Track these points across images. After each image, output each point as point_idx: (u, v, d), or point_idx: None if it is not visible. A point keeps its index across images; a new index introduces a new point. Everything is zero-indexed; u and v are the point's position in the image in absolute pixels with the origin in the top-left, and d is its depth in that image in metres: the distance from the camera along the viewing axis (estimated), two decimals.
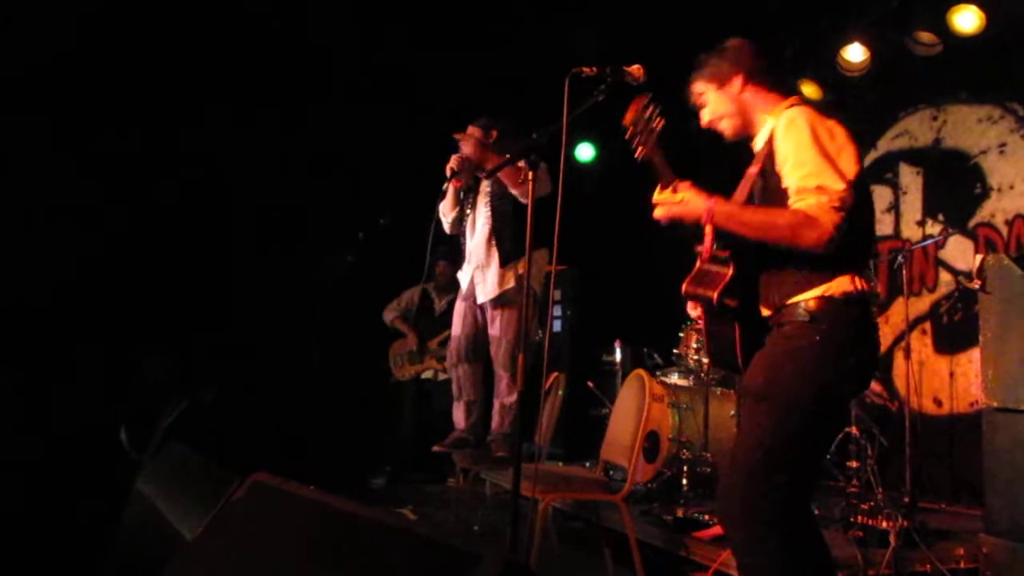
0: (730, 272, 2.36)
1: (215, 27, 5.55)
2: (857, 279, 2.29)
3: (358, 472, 5.89)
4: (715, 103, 2.56)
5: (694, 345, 5.24)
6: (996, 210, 5.28)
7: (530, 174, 2.75)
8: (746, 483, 2.23)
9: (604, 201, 7.08)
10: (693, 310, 2.60)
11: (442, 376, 6.32)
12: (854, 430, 4.52)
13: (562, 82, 2.54)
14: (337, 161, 6.52)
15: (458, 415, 4.54)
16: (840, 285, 2.27)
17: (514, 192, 4.30)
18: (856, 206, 2.25)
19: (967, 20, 5.17)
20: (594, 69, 2.59)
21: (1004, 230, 5.21)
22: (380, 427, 6.35)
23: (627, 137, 2.32)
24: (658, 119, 2.31)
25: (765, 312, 2.41)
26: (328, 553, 1.38)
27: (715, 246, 2.43)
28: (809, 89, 6.16)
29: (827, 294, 2.26)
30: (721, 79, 2.53)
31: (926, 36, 5.48)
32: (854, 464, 4.46)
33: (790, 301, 2.31)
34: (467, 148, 4.46)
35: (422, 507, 5.28)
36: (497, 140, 4.52)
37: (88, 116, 5.20)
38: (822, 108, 2.38)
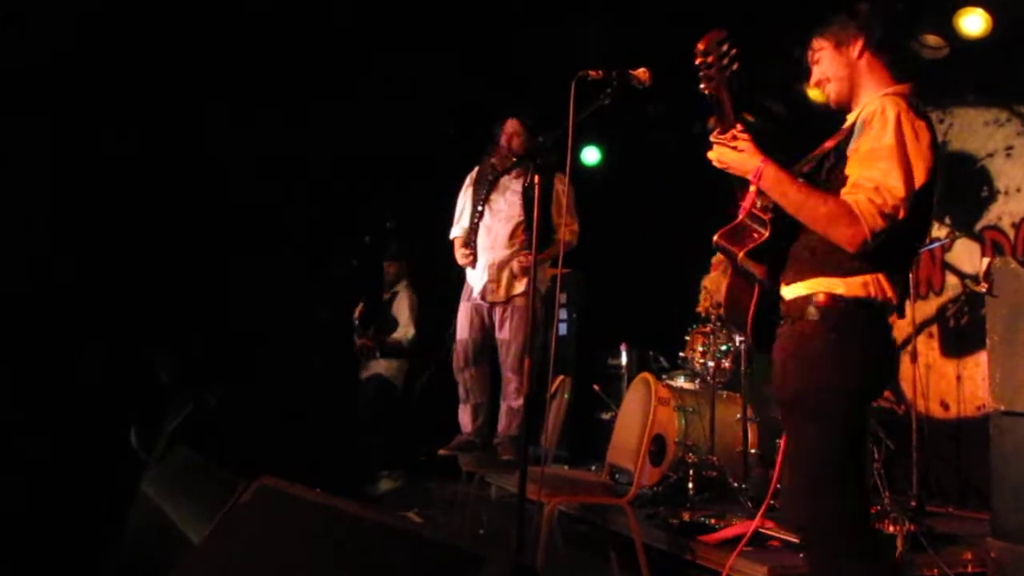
0: (765, 234, 2.31)
1: (220, 26, 5.56)
2: (877, 284, 2.21)
3: (363, 475, 5.87)
4: (827, 63, 2.44)
5: (700, 348, 5.24)
6: (1003, 213, 5.27)
7: (535, 177, 2.75)
8: (815, 502, 2.19)
9: (610, 204, 7.08)
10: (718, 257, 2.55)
11: (365, 374, 6.30)
12: None
13: (568, 85, 2.55)
14: (343, 163, 6.53)
15: (464, 418, 4.53)
16: (856, 284, 2.20)
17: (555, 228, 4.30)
18: (909, 217, 2.17)
19: (974, 23, 5.15)
20: (600, 72, 2.59)
21: (1011, 233, 5.20)
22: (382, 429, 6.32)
23: (696, 63, 2.21)
24: (733, 61, 2.21)
25: (782, 290, 2.35)
26: (334, 556, 1.38)
27: (757, 203, 2.35)
28: (815, 91, 6.13)
29: (838, 291, 2.20)
30: (841, 39, 2.40)
31: (932, 39, 5.46)
32: None
33: (804, 285, 2.26)
34: (516, 142, 4.41)
35: (427, 510, 5.27)
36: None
37: (91, 115, 5.22)
38: (917, 107, 2.27)
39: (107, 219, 5.28)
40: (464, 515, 4.49)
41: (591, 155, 7.61)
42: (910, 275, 4.43)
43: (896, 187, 2.14)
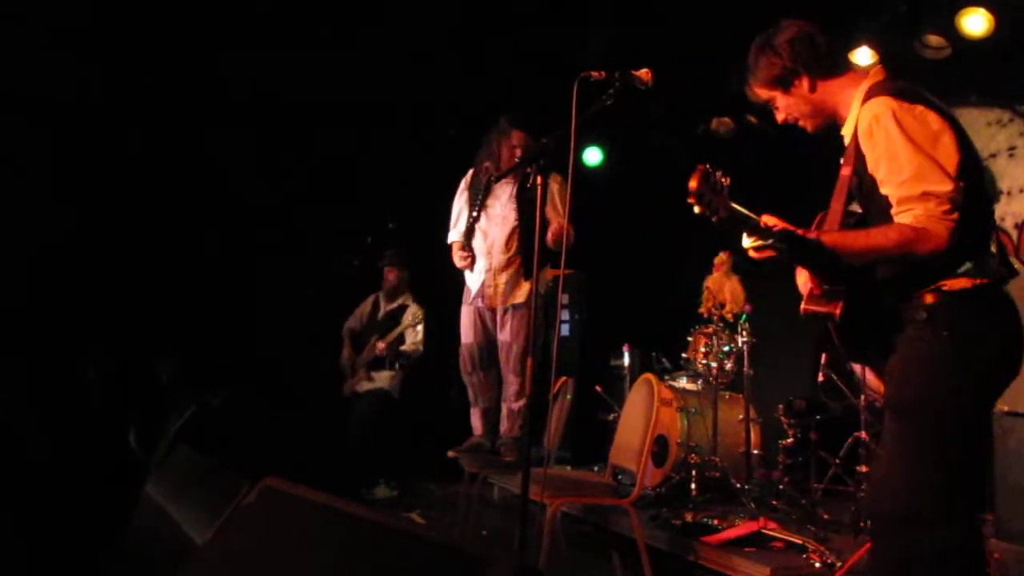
0: (843, 290, 2.25)
1: (222, 28, 5.57)
2: (976, 269, 2.12)
3: (359, 482, 5.86)
4: (787, 107, 2.41)
5: (702, 349, 5.24)
6: (1006, 214, 5.26)
7: (539, 179, 2.75)
8: (929, 508, 2.08)
9: (612, 205, 7.08)
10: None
11: (367, 386, 6.15)
12: (864, 435, 4.51)
13: (570, 86, 2.54)
14: (345, 164, 6.53)
15: (475, 421, 4.53)
16: (957, 280, 2.12)
17: (549, 242, 4.28)
18: (968, 196, 2.09)
19: (976, 23, 5.14)
20: (602, 73, 2.59)
21: (1014, 234, 5.19)
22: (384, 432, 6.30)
23: (697, 210, 2.09)
24: (724, 179, 2.11)
25: (887, 303, 2.26)
26: (338, 557, 1.38)
27: (817, 283, 2.31)
28: None
29: (944, 288, 2.12)
30: (785, 83, 2.37)
31: (934, 39, 5.45)
32: (864, 469, 4.45)
33: (908, 294, 2.19)
34: (519, 151, 4.39)
35: (430, 511, 5.28)
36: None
37: (94, 121, 5.23)
38: (906, 92, 2.20)
39: (108, 220, 5.29)
40: (467, 517, 4.49)
41: (593, 156, 7.61)
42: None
43: (940, 181, 2.08)
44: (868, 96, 2.25)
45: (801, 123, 2.43)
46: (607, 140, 7.53)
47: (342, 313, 6.55)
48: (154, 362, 5.34)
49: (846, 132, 2.37)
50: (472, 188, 4.58)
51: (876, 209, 2.21)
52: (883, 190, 2.16)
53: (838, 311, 2.23)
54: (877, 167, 2.17)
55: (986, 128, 5.45)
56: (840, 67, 2.39)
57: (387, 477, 5.98)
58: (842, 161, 2.36)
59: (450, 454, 4.35)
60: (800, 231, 2.15)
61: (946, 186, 2.07)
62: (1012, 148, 5.28)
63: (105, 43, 5.17)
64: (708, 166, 2.08)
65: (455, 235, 4.65)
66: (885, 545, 2.17)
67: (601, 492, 3.80)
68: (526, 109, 4.71)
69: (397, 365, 6.13)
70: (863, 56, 5.79)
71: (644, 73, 2.52)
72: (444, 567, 1.22)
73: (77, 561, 3.04)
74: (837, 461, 4.76)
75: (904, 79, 2.27)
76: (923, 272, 2.14)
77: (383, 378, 6.16)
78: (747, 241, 2.20)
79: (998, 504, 3.50)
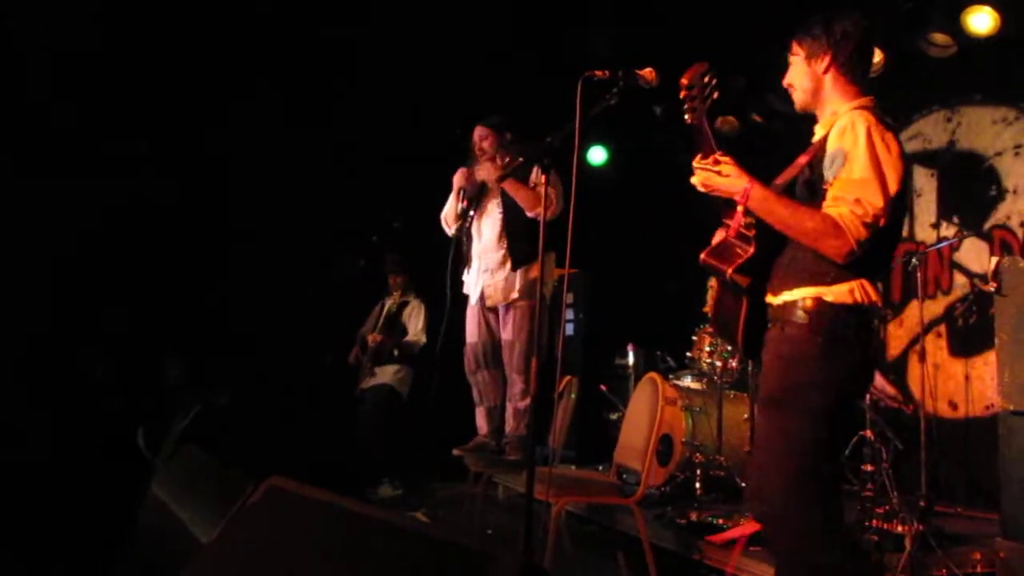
0: (751, 251, 2.41)
1: (226, 29, 5.58)
2: (861, 290, 2.31)
3: (363, 481, 5.87)
4: (797, 71, 2.55)
5: (707, 348, 5.23)
6: (1012, 212, 5.25)
7: (543, 178, 2.75)
8: (790, 493, 2.25)
9: (616, 204, 7.08)
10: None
11: (371, 382, 6.23)
12: (869, 433, 4.49)
13: (574, 85, 2.55)
14: (349, 163, 6.54)
15: (480, 420, 4.53)
16: (843, 292, 2.30)
17: (529, 214, 4.30)
18: (887, 226, 2.27)
19: (982, 21, 5.13)
20: (606, 72, 2.59)
21: (1020, 232, 5.18)
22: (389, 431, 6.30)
23: (681, 97, 2.31)
24: (715, 90, 2.32)
25: (769, 298, 2.46)
26: (344, 556, 1.38)
27: (743, 223, 2.45)
28: None
29: (826, 298, 2.30)
30: (813, 51, 2.51)
31: (940, 37, 5.45)
32: (869, 468, 4.44)
33: (791, 294, 2.36)
34: (485, 144, 4.46)
35: (434, 510, 5.28)
36: (510, 142, 4.51)
37: (96, 119, 5.24)
38: (884, 119, 2.37)
39: (113, 221, 5.30)
40: (472, 515, 4.49)
41: (597, 155, 7.61)
42: (917, 273, 4.43)
43: (875, 198, 2.25)
44: (854, 109, 2.42)
45: (794, 94, 2.58)
46: (611, 139, 7.53)
47: (348, 312, 6.57)
48: (160, 362, 5.35)
49: (819, 130, 2.53)
50: (467, 189, 4.59)
51: (813, 203, 2.35)
52: (826, 184, 2.32)
53: (730, 270, 2.40)
54: (832, 164, 2.32)
55: (992, 126, 5.44)
56: (854, 76, 2.51)
57: (391, 476, 6.00)
58: (803, 153, 2.53)
59: (455, 453, 4.35)
60: (745, 172, 2.36)
61: (878, 202, 2.25)
62: (1018, 146, 5.27)
63: (111, 42, 5.18)
64: (708, 65, 2.30)
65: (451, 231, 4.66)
66: (779, 553, 2.37)
67: (606, 491, 3.80)
68: (530, 108, 4.72)
69: (396, 353, 6.18)
70: None
71: (648, 72, 2.52)
72: (451, 565, 1.22)
73: (83, 560, 3.05)
74: (842, 460, 4.75)
75: (886, 113, 2.43)
76: (816, 274, 2.32)
77: (387, 373, 6.20)
78: (697, 161, 2.41)
79: (1003, 503, 3.49)
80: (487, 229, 4.51)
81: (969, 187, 5.51)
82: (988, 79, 5.44)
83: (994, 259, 3.77)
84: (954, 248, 5.49)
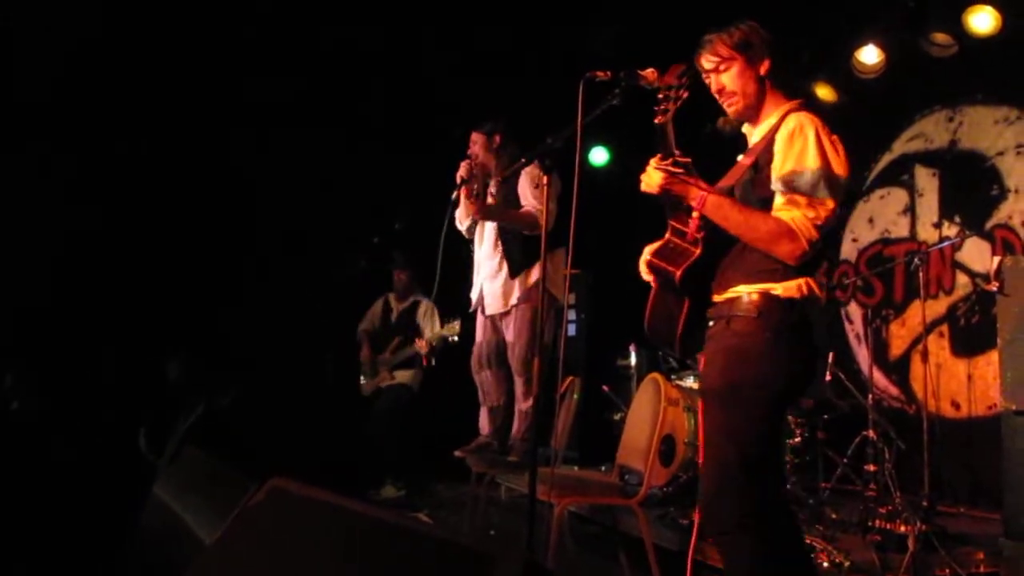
0: (697, 252, 2.44)
1: (230, 33, 5.58)
2: (808, 286, 2.35)
3: (367, 480, 5.88)
4: (737, 76, 2.52)
5: None
6: (1013, 212, 5.25)
7: (545, 178, 2.75)
8: (735, 485, 2.28)
9: (618, 204, 7.07)
10: (647, 274, 2.65)
11: (387, 382, 6.27)
12: (871, 434, 4.50)
13: (576, 85, 2.54)
14: (352, 165, 6.54)
15: (483, 420, 4.54)
16: (789, 288, 2.33)
17: (526, 232, 4.32)
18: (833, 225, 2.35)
19: (983, 21, 5.14)
20: (608, 73, 2.59)
21: (1022, 232, 5.17)
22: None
23: (659, 97, 2.35)
24: (685, 91, 2.34)
25: (716, 297, 2.49)
26: (347, 557, 1.38)
27: (696, 226, 2.48)
28: (824, 91, 6.14)
29: (774, 292, 2.33)
30: (753, 55, 2.51)
31: (941, 37, 5.44)
32: (871, 468, 4.44)
33: (737, 290, 2.39)
34: (476, 149, 4.48)
35: (437, 511, 5.28)
36: (501, 144, 4.52)
37: (103, 123, 5.25)
38: (826, 122, 2.39)
39: (117, 222, 5.30)
40: (474, 516, 4.49)
41: (599, 156, 7.61)
42: (919, 273, 4.43)
43: (827, 200, 2.30)
44: (792, 110, 2.46)
45: (728, 100, 2.56)
46: (613, 140, 7.52)
47: (350, 313, 6.58)
48: (163, 362, 5.35)
49: (757, 133, 2.55)
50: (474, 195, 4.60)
51: (755, 204, 2.40)
52: (776, 186, 2.35)
53: (679, 272, 2.43)
54: (783, 165, 2.34)
55: (993, 126, 5.43)
56: (781, 82, 2.56)
57: (394, 477, 6.01)
58: (743, 154, 2.57)
59: (456, 454, 4.35)
60: (698, 177, 2.41)
61: (830, 204, 2.31)
62: (1020, 146, 5.26)
63: (118, 45, 5.19)
64: (687, 67, 2.36)
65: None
66: (721, 541, 2.39)
67: (608, 492, 3.80)
68: (532, 109, 4.72)
69: (432, 362, 6.22)
70: (870, 55, 5.79)
71: (650, 73, 2.51)
72: (452, 565, 1.22)
73: (86, 561, 3.05)
74: (845, 460, 4.75)
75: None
76: (764, 272, 2.36)
77: (405, 375, 6.27)
78: (655, 160, 2.43)
79: (1005, 502, 3.49)
80: (486, 236, 4.54)
81: (971, 187, 5.50)
82: (990, 79, 5.44)
83: (996, 259, 3.77)
84: (956, 248, 5.48)
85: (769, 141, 2.42)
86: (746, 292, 2.36)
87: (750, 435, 2.31)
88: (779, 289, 2.33)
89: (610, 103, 2.61)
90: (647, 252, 2.59)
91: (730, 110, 2.57)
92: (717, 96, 2.58)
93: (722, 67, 2.53)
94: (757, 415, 2.31)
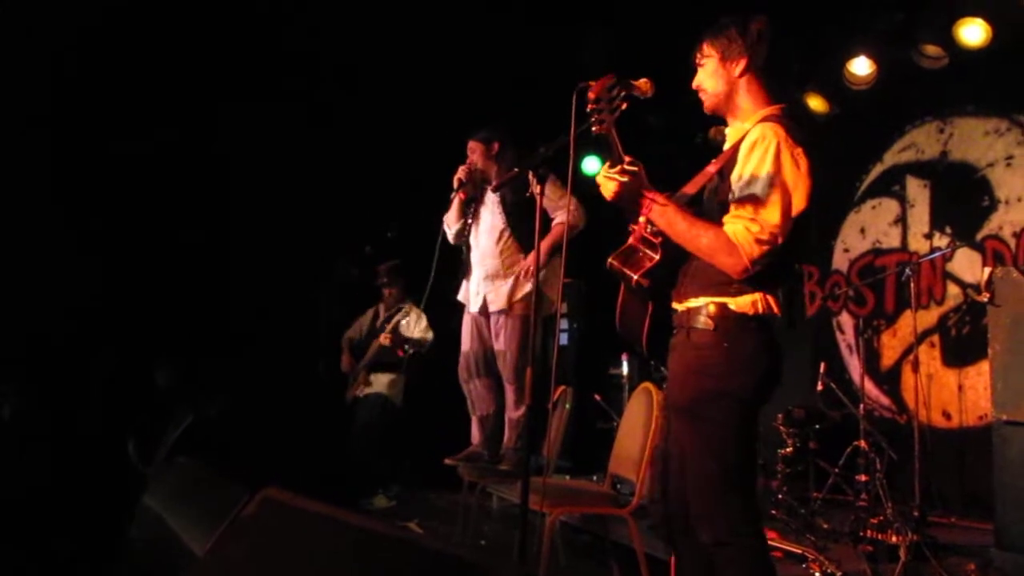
0: (657, 258, 2.44)
1: (226, 28, 5.58)
2: (764, 301, 2.33)
3: (357, 491, 5.85)
4: (709, 74, 2.52)
5: None
6: (1004, 223, 5.27)
7: (538, 188, 2.76)
8: (723, 497, 2.29)
9: (611, 213, 7.08)
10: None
11: (365, 391, 6.20)
12: (863, 444, 4.50)
13: (569, 92, 2.54)
14: (344, 172, 6.53)
15: (473, 430, 4.53)
16: (745, 303, 2.32)
17: (555, 216, 4.33)
18: (786, 241, 2.28)
19: (973, 33, 5.17)
20: (601, 83, 2.58)
21: (1012, 243, 5.20)
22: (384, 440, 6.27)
23: (588, 110, 2.33)
24: (622, 102, 2.32)
25: (675, 304, 2.49)
26: (340, 568, 1.37)
27: (648, 229, 2.49)
28: (816, 102, 6.16)
29: (730, 305, 2.33)
30: (727, 54, 2.48)
31: (932, 49, 5.47)
32: (863, 478, 4.45)
33: (696, 300, 2.39)
34: (475, 157, 4.50)
35: (428, 521, 5.26)
36: (499, 152, 4.53)
37: (95, 127, 5.23)
38: (794, 131, 2.35)
39: (111, 233, 5.29)
40: (466, 526, 4.48)
41: (592, 165, 7.63)
42: (911, 284, 4.44)
43: (772, 216, 2.25)
44: (765, 119, 2.41)
45: (703, 96, 2.56)
46: (606, 149, 7.53)
47: (341, 321, 6.55)
48: (152, 369, 5.33)
49: (731, 139, 2.53)
50: (464, 200, 4.61)
51: (716, 212, 2.39)
52: (730, 197, 2.34)
53: (636, 276, 2.44)
54: (740, 176, 2.33)
55: (983, 137, 5.46)
56: (766, 82, 2.52)
57: (385, 486, 5.98)
58: (713, 160, 2.54)
59: (447, 462, 4.34)
60: (649, 183, 2.41)
61: (775, 219, 2.25)
62: (1010, 157, 5.29)
63: (112, 49, 5.17)
64: (615, 78, 2.32)
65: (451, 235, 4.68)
66: (710, 546, 2.33)
67: (600, 501, 3.79)
68: (525, 117, 4.73)
69: (408, 351, 6.14)
70: (861, 67, 5.82)
71: (643, 83, 2.51)
72: None
73: (76, 572, 3.03)
74: (836, 470, 4.76)
75: (797, 123, 2.42)
76: (718, 284, 2.35)
77: (381, 382, 6.17)
78: (604, 169, 2.43)
79: (997, 513, 3.50)
80: (484, 236, 4.52)
81: (962, 198, 5.53)
82: (980, 90, 5.48)
83: (987, 270, 3.79)
84: (947, 258, 5.51)
85: (736, 149, 2.41)
86: (702, 303, 2.36)
87: (725, 445, 2.31)
88: (733, 304, 2.33)
89: (628, 98, 2.60)
90: (611, 257, 2.58)
91: (704, 106, 2.58)
92: (698, 93, 2.59)
93: (701, 63, 2.55)
94: (729, 425, 2.31)
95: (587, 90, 2.56)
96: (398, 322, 6.09)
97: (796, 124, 2.41)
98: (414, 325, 6.17)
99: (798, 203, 2.29)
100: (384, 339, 6.04)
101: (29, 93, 4.96)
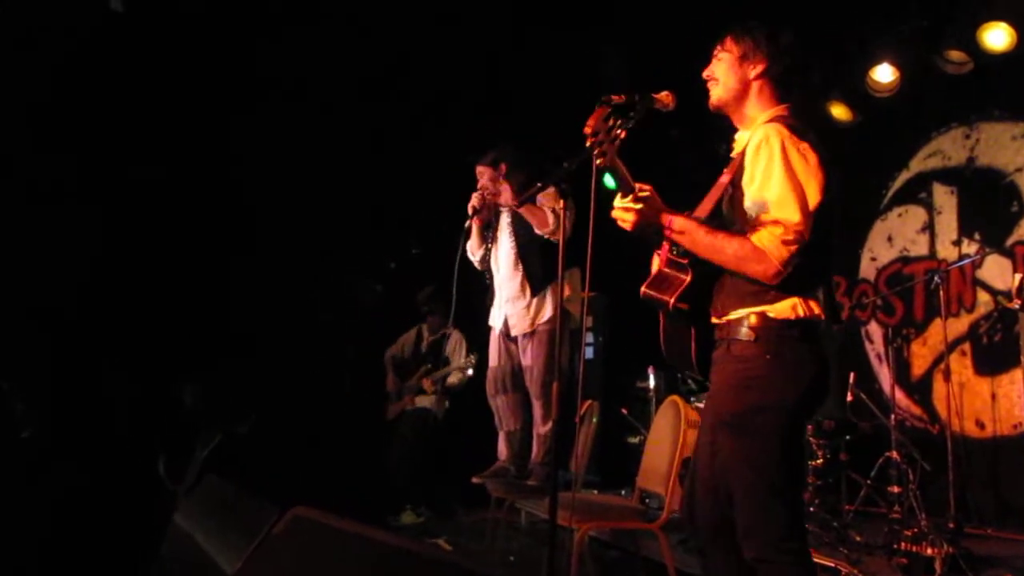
0: (688, 279, 2.41)
1: (245, 52, 5.64)
2: (802, 305, 2.30)
3: (386, 506, 5.87)
4: (726, 69, 2.51)
5: None
6: None
7: (561, 203, 2.76)
8: (769, 513, 2.25)
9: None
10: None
11: (410, 406, 6.38)
12: (895, 455, 4.45)
13: (590, 107, 2.54)
14: (369, 189, 6.57)
15: (500, 445, 4.53)
16: (784, 308, 2.29)
17: (539, 232, 4.33)
18: (813, 237, 2.25)
19: (998, 37, 5.13)
20: (623, 96, 2.58)
21: None
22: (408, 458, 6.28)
23: (587, 144, 2.31)
24: (621, 130, 2.30)
25: (714, 319, 2.46)
26: None
27: (673, 252, 2.47)
28: (839, 111, 6.13)
29: (769, 314, 2.29)
30: (748, 55, 2.48)
31: (956, 54, 5.44)
32: (896, 490, 4.39)
33: (735, 313, 2.35)
34: (484, 181, 4.53)
35: (456, 538, 5.25)
36: (508, 172, 4.55)
37: (115, 141, 5.28)
38: (798, 128, 2.34)
39: (134, 245, 5.33)
40: (494, 542, 4.47)
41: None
42: (940, 292, 4.39)
43: (792, 215, 2.22)
44: (768, 121, 2.41)
45: (711, 86, 2.55)
46: (629, 162, 7.53)
47: (367, 338, 6.59)
48: (179, 387, 5.37)
49: (738, 143, 2.53)
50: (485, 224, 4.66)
51: (740, 220, 2.35)
52: (746, 204, 2.31)
53: (672, 300, 2.40)
54: (751, 182, 2.31)
55: (1011, 142, 5.40)
56: (780, 92, 2.50)
57: (414, 503, 5.99)
58: (725, 170, 2.52)
59: (475, 480, 4.34)
60: (664, 206, 2.39)
61: (796, 218, 2.22)
62: None
63: (122, 61, 5.23)
64: (610, 108, 2.30)
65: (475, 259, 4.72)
66: (755, 562, 2.28)
67: (629, 516, 3.76)
68: (548, 133, 4.74)
69: (445, 403, 6.37)
70: (883, 74, 5.79)
71: (665, 96, 2.51)
72: None
73: None
74: (868, 482, 4.70)
75: (801, 120, 2.41)
76: (755, 293, 2.31)
77: (428, 397, 6.35)
78: (617, 201, 2.41)
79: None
80: (503, 259, 4.55)
81: (990, 203, 5.47)
82: (1006, 95, 5.42)
83: (1017, 276, 3.75)
84: (976, 265, 5.44)
85: (743, 155, 2.39)
86: (742, 315, 2.33)
87: (770, 459, 2.27)
88: (773, 312, 2.29)
89: (625, 126, 2.60)
90: (643, 286, 2.55)
91: (710, 100, 2.56)
92: (708, 83, 2.58)
93: (719, 55, 2.54)
94: (773, 438, 2.27)
95: (609, 103, 2.57)
96: (438, 355, 6.24)
97: (801, 121, 2.39)
98: (455, 355, 6.30)
99: (813, 197, 2.26)
100: (428, 387, 6.27)
101: (30, 95, 4.98)
